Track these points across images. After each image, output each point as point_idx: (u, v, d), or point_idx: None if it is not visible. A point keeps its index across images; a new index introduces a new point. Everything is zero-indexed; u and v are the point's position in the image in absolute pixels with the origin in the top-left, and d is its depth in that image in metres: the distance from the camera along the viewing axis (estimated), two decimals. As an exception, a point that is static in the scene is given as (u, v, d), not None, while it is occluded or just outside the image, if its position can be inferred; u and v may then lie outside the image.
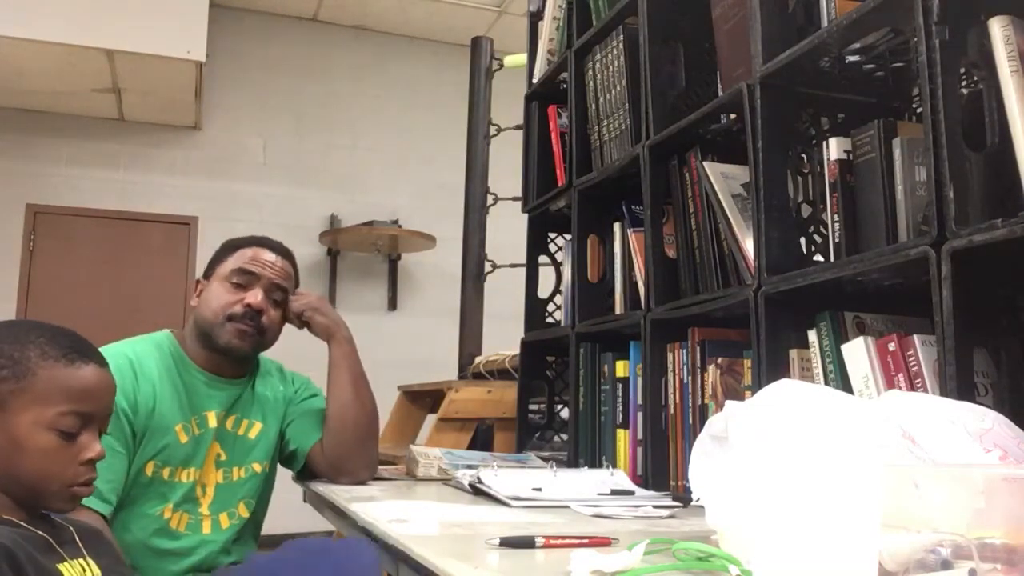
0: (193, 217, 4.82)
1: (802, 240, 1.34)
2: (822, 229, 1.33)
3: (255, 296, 1.56)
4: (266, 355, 1.69)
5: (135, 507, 1.45)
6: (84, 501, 1.17)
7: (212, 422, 1.54)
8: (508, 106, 3.04)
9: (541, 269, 2.23)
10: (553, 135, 2.14)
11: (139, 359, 1.50)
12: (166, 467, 1.48)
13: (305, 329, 1.66)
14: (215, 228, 4.55)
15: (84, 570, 0.99)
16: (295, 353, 1.91)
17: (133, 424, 1.44)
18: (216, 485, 1.55)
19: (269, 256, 1.60)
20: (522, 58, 2.43)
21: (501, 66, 3.30)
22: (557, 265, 2.21)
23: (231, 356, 1.57)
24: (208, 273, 1.61)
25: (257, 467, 1.60)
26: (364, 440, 1.63)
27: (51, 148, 4.71)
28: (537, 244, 2.23)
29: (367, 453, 1.63)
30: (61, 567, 0.96)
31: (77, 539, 1.03)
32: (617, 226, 1.82)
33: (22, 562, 0.89)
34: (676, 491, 1.47)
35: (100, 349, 1.43)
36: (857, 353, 1.11)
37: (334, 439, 1.60)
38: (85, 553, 1.01)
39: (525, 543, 0.97)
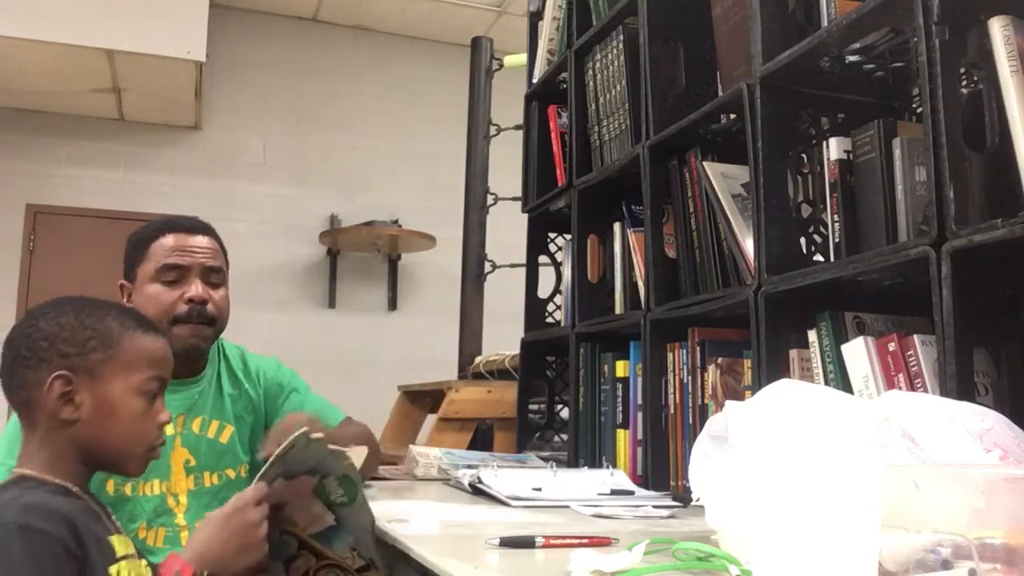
0: (193, 217, 4.81)
1: (802, 240, 1.34)
2: (822, 229, 1.33)
3: (195, 288, 1.44)
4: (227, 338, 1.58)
5: None
6: None
7: (169, 429, 1.39)
8: (508, 106, 3.04)
9: (541, 269, 2.23)
10: (553, 135, 2.14)
11: None
12: (127, 483, 1.39)
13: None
14: (215, 228, 4.55)
15: (125, 546, 1.03)
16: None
17: None
18: (188, 492, 1.44)
19: (190, 240, 1.48)
20: (522, 58, 2.43)
21: (501, 66, 3.30)
22: (557, 265, 2.21)
23: (189, 357, 1.45)
24: (130, 275, 1.49)
25: (231, 473, 1.49)
26: (374, 470, 1.61)
27: (51, 148, 4.71)
28: (537, 244, 2.23)
29: (374, 467, 1.61)
30: (111, 539, 1.01)
31: (112, 517, 1.08)
32: (617, 226, 1.82)
33: (82, 532, 0.95)
34: (676, 491, 1.47)
35: None
36: (857, 353, 1.11)
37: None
38: (120, 530, 1.07)
39: (525, 543, 0.97)
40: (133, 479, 1.39)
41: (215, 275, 1.50)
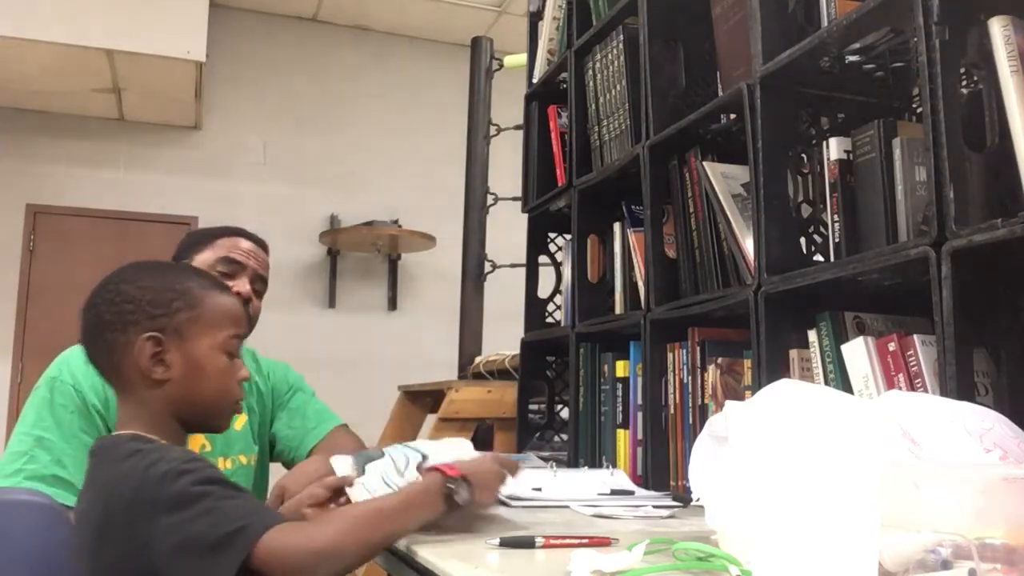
0: (193, 217, 4.81)
1: (802, 240, 1.34)
2: (822, 229, 1.33)
3: (244, 285, 1.52)
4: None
5: None
6: (64, 502, 1.23)
7: None
8: (508, 106, 3.04)
9: (541, 269, 2.22)
10: (553, 135, 2.14)
11: None
12: None
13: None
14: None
15: None
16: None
17: (106, 419, 1.40)
18: None
19: (254, 249, 1.58)
20: (522, 58, 2.43)
21: (501, 66, 3.30)
22: (557, 265, 2.21)
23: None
24: (184, 261, 1.55)
25: (243, 459, 1.56)
26: None
27: (51, 148, 4.71)
28: (537, 244, 2.23)
29: None
30: None
31: None
32: (617, 226, 1.82)
33: None
34: (676, 491, 1.47)
35: (68, 349, 1.46)
36: (857, 353, 1.11)
37: None
38: None
39: (525, 543, 0.97)
40: None
41: (260, 284, 1.59)
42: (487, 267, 3.26)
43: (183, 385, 1.07)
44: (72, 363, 1.43)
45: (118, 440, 1.05)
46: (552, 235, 2.24)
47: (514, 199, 2.53)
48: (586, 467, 1.72)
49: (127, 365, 1.06)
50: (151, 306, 1.07)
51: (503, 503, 1.30)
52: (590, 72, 1.89)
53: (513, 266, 2.68)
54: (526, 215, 2.23)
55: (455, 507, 1.02)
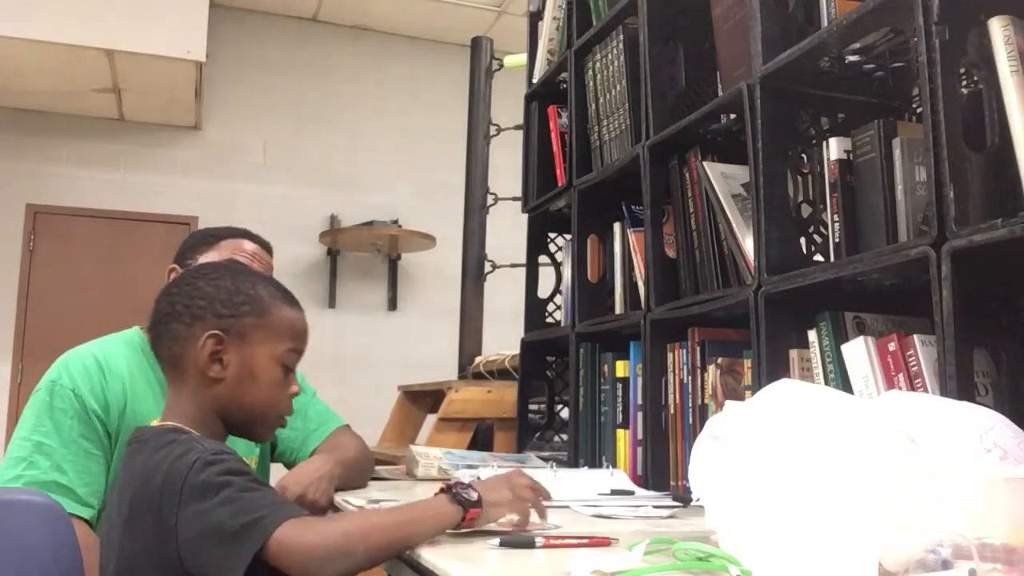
0: (193, 217, 4.81)
1: (802, 240, 1.34)
2: (822, 229, 1.33)
3: None
4: None
5: None
6: (64, 508, 1.22)
7: None
8: (508, 106, 3.04)
9: (541, 269, 2.22)
10: (553, 135, 2.14)
11: (106, 358, 1.45)
12: None
13: None
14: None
15: None
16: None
17: (106, 424, 1.40)
18: None
19: (260, 252, 1.58)
20: (522, 58, 2.43)
21: (501, 66, 3.30)
22: (557, 265, 2.21)
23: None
24: (187, 262, 1.54)
25: (245, 460, 1.56)
26: (366, 477, 1.62)
27: (51, 148, 4.71)
28: (537, 244, 2.23)
29: (366, 479, 1.62)
30: None
31: None
32: (617, 226, 1.82)
33: None
34: (676, 491, 1.47)
35: (68, 352, 1.46)
36: (857, 353, 1.11)
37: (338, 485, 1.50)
38: None
39: (525, 543, 0.97)
40: None
41: None
42: (487, 267, 3.26)
43: (234, 387, 1.09)
44: (72, 367, 1.42)
45: (158, 431, 1.06)
46: (552, 235, 2.24)
47: (514, 199, 2.53)
48: (586, 467, 1.72)
49: (186, 358, 1.08)
50: (221, 305, 1.09)
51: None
52: (590, 72, 1.89)
53: (513, 266, 2.68)
54: (526, 215, 2.23)
55: (472, 508, 1.01)
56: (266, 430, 1.16)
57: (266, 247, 1.61)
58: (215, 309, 1.09)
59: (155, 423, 1.11)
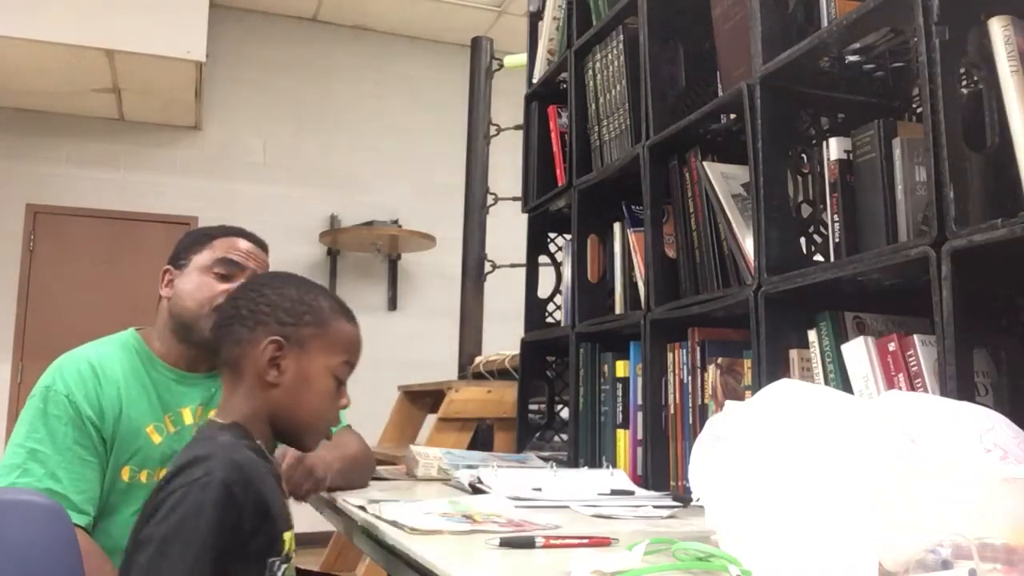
0: (193, 217, 4.82)
1: (802, 240, 1.34)
2: (822, 229, 1.33)
3: None
4: None
5: (116, 514, 1.42)
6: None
7: (189, 418, 1.49)
8: (508, 106, 3.05)
9: (541, 269, 2.22)
10: (553, 135, 2.14)
11: (102, 363, 1.44)
12: (143, 470, 1.44)
13: None
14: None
15: (289, 512, 1.12)
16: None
17: (100, 430, 1.40)
18: None
19: (253, 249, 1.56)
20: (522, 58, 2.43)
21: (501, 66, 3.30)
22: (557, 265, 2.21)
23: (216, 348, 1.52)
24: (180, 262, 1.53)
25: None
26: (367, 476, 1.62)
27: (51, 148, 4.71)
28: (537, 244, 2.23)
29: (367, 479, 1.62)
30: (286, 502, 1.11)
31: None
32: (617, 226, 1.82)
33: (268, 499, 1.01)
34: (676, 491, 1.47)
35: (63, 355, 1.46)
36: (857, 353, 1.11)
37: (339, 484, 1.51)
38: None
39: (525, 543, 0.97)
40: (150, 468, 1.44)
41: None
42: (487, 267, 3.26)
43: (289, 394, 1.11)
44: (66, 372, 1.42)
45: (216, 428, 1.09)
46: (552, 235, 2.24)
47: (514, 199, 2.53)
48: (586, 467, 1.72)
49: (246, 360, 1.11)
50: (285, 313, 1.13)
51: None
52: (590, 72, 1.89)
53: (513, 266, 2.68)
54: (526, 215, 2.23)
55: None
56: (312, 441, 1.17)
57: (261, 246, 1.60)
58: (278, 316, 1.12)
59: (214, 417, 1.13)
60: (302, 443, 1.18)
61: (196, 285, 1.49)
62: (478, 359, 2.98)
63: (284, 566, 1.05)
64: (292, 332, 1.12)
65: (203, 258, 1.51)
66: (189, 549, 0.92)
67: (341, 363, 1.16)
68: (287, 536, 1.06)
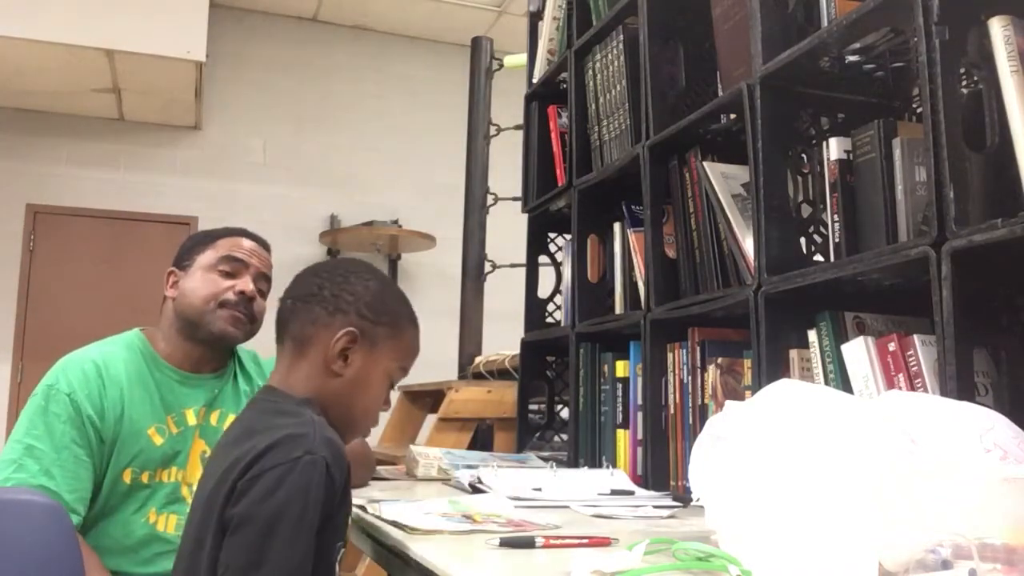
0: (193, 217, 4.81)
1: (802, 240, 1.34)
2: (822, 229, 1.33)
3: (247, 284, 1.51)
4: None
5: (117, 514, 1.43)
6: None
7: (192, 419, 1.50)
8: (508, 106, 3.04)
9: (541, 269, 2.23)
10: (553, 135, 2.14)
11: (106, 363, 1.45)
12: (145, 472, 1.44)
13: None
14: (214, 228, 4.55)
15: None
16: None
17: (100, 431, 1.40)
18: None
19: (257, 248, 1.57)
20: (522, 58, 2.43)
21: (501, 66, 3.30)
22: (557, 265, 2.21)
23: (222, 344, 1.52)
24: (185, 263, 1.54)
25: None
26: (367, 475, 1.62)
27: (51, 148, 4.71)
28: (537, 244, 2.23)
29: (367, 478, 1.63)
30: None
31: None
32: (617, 226, 1.82)
33: (349, 476, 1.01)
34: (676, 491, 1.47)
35: (68, 355, 1.46)
36: (857, 353, 1.11)
37: None
38: None
39: (525, 543, 0.97)
40: (152, 468, 1.45)
41: (264, 284, 1.58)
42: (487, 267, 3.26)
43: (348, 387, 1.11)
44: (70, 372, 1.42)
45: (293, 403, 1.07)
46: (552, 235, 2.24)
47: (514, 199, 2.53)
48: (586, 467, 1.72)
49: (317, 343, 1.10)
50: (367, 308, 1.12)
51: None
52: (590, 72, 1.89)
53: (513, 266, 2.68)
54: (526, 215, 2.23)
55: None
56: (352, 436, 1.16)
57: (264, 245, 1.61)
58: (359, 309, 1.11)
59: (279, 386, 1.11)
60: (342, 437, 1.16)
61: (202, 282, 1.50)
62: (478, 359, 2.97)
63: (343, 550, 1.05)
64: (368, 328, 1.11)
65: (207, 257, 1.53)
66: (299, 527, 0.91)
67: (398, 368, 1.16)
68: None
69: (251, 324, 1.54)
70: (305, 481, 0.93)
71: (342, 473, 0.98)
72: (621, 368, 1.72)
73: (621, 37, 1.76)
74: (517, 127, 2.43)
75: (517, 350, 2.24)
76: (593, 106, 1.88)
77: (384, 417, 3.11)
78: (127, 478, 1.43)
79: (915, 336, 1.06)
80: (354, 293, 1.12)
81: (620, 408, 1.71)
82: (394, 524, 1.10)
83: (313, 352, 1.10)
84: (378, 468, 1.76)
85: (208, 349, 1.52)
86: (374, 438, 2.91)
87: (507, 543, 0.97)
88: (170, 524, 1.46)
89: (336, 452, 0.98)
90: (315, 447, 0.95)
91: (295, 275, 1.18)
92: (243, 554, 0.91)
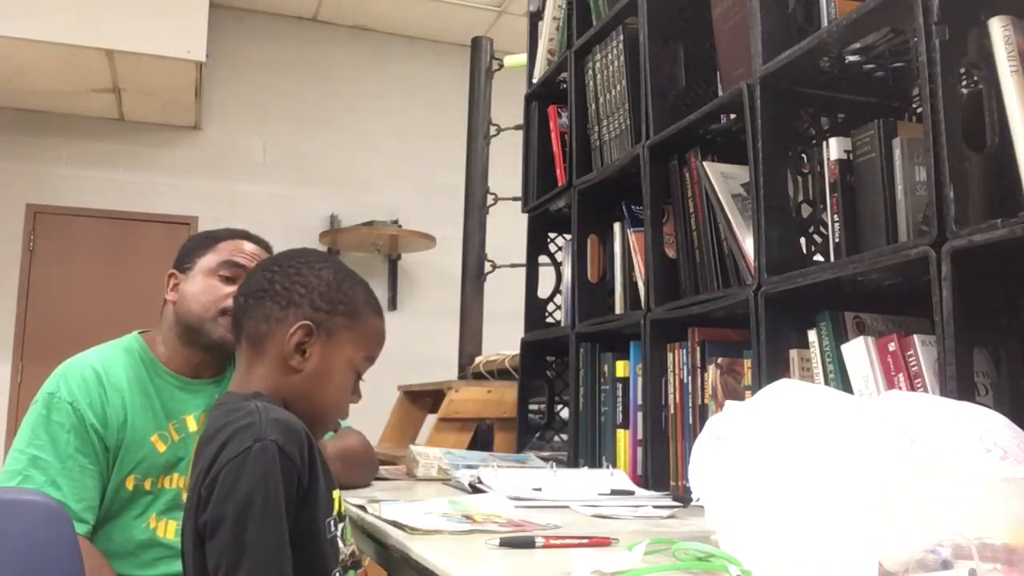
0: (193, 217, 4.81)
1: (802, 240, 1.34)
2: (822, 229, 1.33)
3: None
4: None
5: (119, 519, 1.42)
6: None
7: (192, 425, 1.48)
8: (508, 106, 3.04)
9: (541, 269, 2.23)
10: (553, 135, 2.14)
11: (106, 369, 1.44)
12: (147, 478, 1.44)
13: None
14: (215, 228, 4.55)
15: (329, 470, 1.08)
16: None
17: (104, 438, 1.40)
18: None
19: (255, 248, 1.55)
20: (522, 58, 2.43)
21: (501, 66, 3.30)
22: (557, 265, 2.21)
23: (222, 351, 1.50)
24: (185, 266, 1.53)
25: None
26: (370, 475, 1.62)
27: (51, 148, 4.71)
28: (537, 244, 2.23)
29: (370, 478, 1.63)
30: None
31: None
32: (617, 226, 1.82)
33: (314, 449, 0.99)
34: (676, 491, 1.47)
35: (67, 361, 1.45)
36: (857, 353, 1.11)
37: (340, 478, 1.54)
38: None
39: (525, 543, 0.97)
40: (154, 475, 1.44)
41: None
42: (487, 267, 3.26)
43: (308, 381, 1.08)
44: (71, 379, 1.41)
45: (239, 399, 1.05)
46: (552, 235, 2.24)
47: (514, 199, 2.53)
48: (586, 467, 1.72)
49: (272, 340, 1.08)
50: (321, 298, 1.09)
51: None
52: (590, 72, 1.90)
53: (513, 266, 2.68)
54: (526, 215, 2.23)
55: None
56: (321, 431, 1.15)
57: (266, 247, 1.60)
58: (312, 300, 1.09)
59: (234, 388, 1.10)
60: (312, 432, 1.15)
61: (202, 288, 1.49)
62: (478, 359, 2.97)
63: (341, 524, 1.03)
64: (324, 320, 1.09)
65: (208, 261, 1.51)
66: (267, 513, 0.90)
67: (363, 358, 1.13)
68: (335, 494, 1.05)
69: None
70: (261, 468, 0.92)
71: (300, 448, 0.95)
72: (621, 368, 1.72)
73: (621, 37, 1.76)
74: (517, 127, 2.43)
75: (517, 350, 2.24)
76: (593, 106, 1.88)
77: (384, 417, 3.11)
78: (130, 484, 1.43)
79: (915, 336, 1.06)
80: (306, 284, 1.09)
81: (620, 408, 1.71)
82: (394, 524, 1.10)
83: (269, 349, 1.08)
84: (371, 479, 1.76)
85: (208, 355, 1.51)
86: (374, 438, 2.91)
87: (507, 543, 0.97)
88: (169, 530, 1.45)
89: (287, 430, 0.95)
90: (262, 433, 0.93)
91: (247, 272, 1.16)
92: (223, 555, 0.90)
